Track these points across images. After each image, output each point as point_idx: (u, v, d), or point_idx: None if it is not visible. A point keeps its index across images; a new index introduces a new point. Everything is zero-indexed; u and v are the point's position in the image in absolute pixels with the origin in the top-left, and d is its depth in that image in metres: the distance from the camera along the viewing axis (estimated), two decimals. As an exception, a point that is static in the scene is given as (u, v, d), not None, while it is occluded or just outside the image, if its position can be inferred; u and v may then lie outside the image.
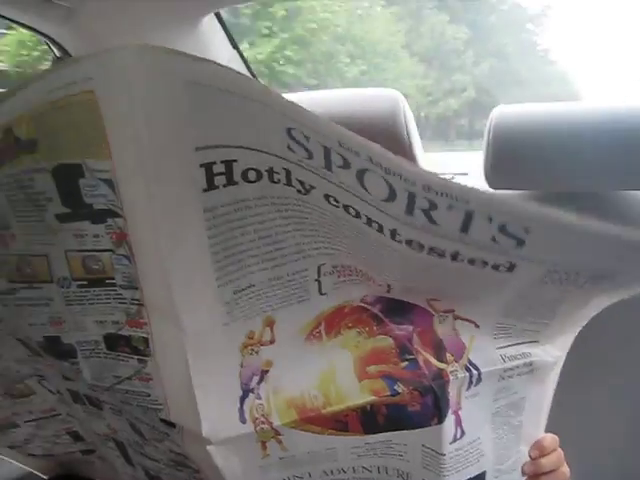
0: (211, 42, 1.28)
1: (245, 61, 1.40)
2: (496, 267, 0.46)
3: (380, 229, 0.46)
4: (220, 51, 1.31)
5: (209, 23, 1.26)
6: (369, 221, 0.46)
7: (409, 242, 0.45)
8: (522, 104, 1.05)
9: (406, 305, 0.55)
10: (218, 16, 1.28)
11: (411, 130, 1.05)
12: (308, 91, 1.21)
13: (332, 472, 0.56)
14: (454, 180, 0.40)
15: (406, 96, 1.08)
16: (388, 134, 1.03)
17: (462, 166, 1.35)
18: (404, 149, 1.04)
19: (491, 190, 1.03)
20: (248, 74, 1.41)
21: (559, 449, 0.63)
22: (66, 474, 0.75)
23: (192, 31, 1.22)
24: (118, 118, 0.41)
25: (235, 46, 1.35)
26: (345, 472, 0.57)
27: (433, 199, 0.41)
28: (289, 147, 0.43)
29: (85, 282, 0.48)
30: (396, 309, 0.55)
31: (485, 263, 0.46)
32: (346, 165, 0.42)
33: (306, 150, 0.42)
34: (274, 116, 0.41)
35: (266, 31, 7.46)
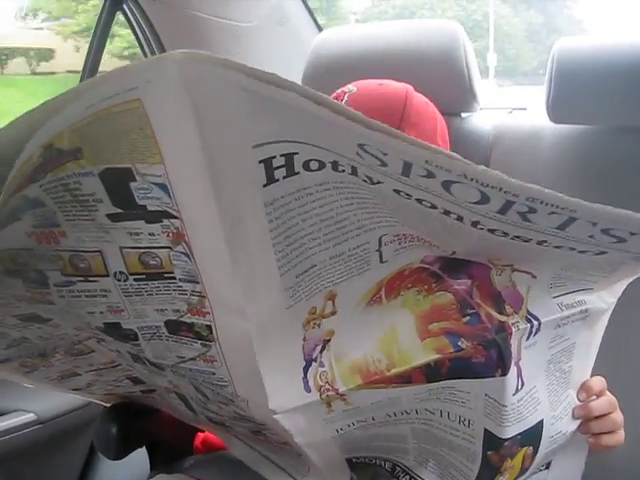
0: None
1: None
2: (583, 252, 0.44)
3: (459, 219, 0.43)
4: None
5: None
6: (447, 212, 0.43)
7: (492, 230, 0.43)
8: (584, 37, 0.99)
9: (464, 261, 0.53)
10: None
11: (470, 63, 1.00)
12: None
13: (395, 414, 0.57)
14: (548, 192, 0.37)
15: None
16: (447, 67, 0.99)
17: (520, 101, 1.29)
18: (463, 82, 1.00)
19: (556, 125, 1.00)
20: (302, 4, 1.34)
21: (610, 394, 0.63)
22: (126, 402, 0.77)
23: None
24: (169, 124, 0.38)
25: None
26: (408, 413, 0.58)
27: (534, 207, 0.38)
28: (358, 154, 0.39)
29: (143, 276, 0.47)
30: (454, 265, 0.53)
31: (572, 249, 0.44)
32: (430, 176, 0.38)
33: (379, 160, 0.39)
34: (344, 133, 0.37)
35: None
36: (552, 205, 0.38)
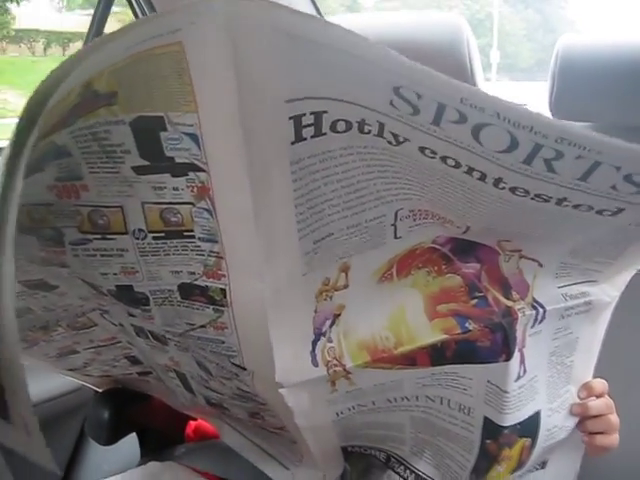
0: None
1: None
2: (600, 212, 0.44)
3: (482, 178, 0.43)
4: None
5: None
6: (470, 170, 0.43)
7: (513, 189, 0.43)
8: (589, 34, 1.02)
9: (474, 244, 0.54)
10: None
11: (473, 58, 1.01)
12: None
13: (395, 399, 0.58)
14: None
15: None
16: (450, 61, 0.99)
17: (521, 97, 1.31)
18: (466, 77, 1.00)
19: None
20: None
21: (608, 397, 0.64)
22: (119, 388, 0.76)
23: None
24: (207, 70, 0.38)
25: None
26: (409, 400, 0.58)
27: (562, 149, 0.38)
28: (391, 103, 0.40)
29: (162, 234, 0.46)
30: (464, 248, 0.54)
31: (591, 208, 0.44)
32: (462, 120, 0.39)
33: (413, 107, 0.39)
34: (381, 74, 0.38)
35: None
36: (580, 147, 0.38)
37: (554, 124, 0.38)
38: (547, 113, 1.00)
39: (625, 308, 0.60)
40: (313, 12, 1.41)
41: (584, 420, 0.63)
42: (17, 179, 0.30)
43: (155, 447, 0.83)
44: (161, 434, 0.84)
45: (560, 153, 0.39)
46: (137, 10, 1.22)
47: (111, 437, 0.76)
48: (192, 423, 0.85)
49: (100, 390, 0.77)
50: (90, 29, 1.17)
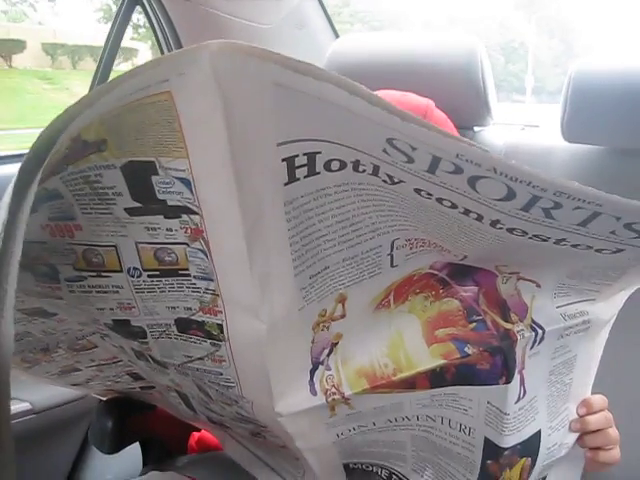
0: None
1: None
2: (599, 250, 0.44)
3: (479, 218, 0.43)
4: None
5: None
6: (467, 211, 0.43)
7: (511, 230, 0.43)
8: (602, 58, 1.00)
9: (471, 268, 0.53)
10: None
11: (487, 79, 1.01)
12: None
13: (396, 419, 0.57)
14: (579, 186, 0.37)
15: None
16: (464, 80, 0.99)
17: (533, 118, 1.31)
18: (479, 96, 1.01)
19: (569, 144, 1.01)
20: (321, 10, 1.36)
21: (607, 411, 0.63)
22: (122, 397, 0.76)
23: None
24: (197, 118, 0.38)
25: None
26: (409, 419, 0.58)
27: (560, 201, 0.38)
28: (385, 151, 0.39)
29: (157, 272, 0.46)
30: (462, 272, 0.53)
31: (590, 247, 0.44)
32: (457, 171, 0.38)
33: (407, 156, 0.39)
34: (374, 126, 0.37)
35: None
36: (579, 199, 0.37)
37: (552, 181, 0.37)
38: (559, 137, 1.00)
39: (623, 323, 0.60)
40: (329, 30, 1.42)
41: (583, 435, 0.62)
42: (23, 214, 0.30)
43: (158, 457, 0.84)
44: (164, 444, 0.84)
45: (559, 204, 0.38)
46: (162, 41, 1.23)
47: (114, 446, 0.77)
48: (195, 434, 0.85)
49: (104, 399, 0.77)
50: (106, 44, 1.19)
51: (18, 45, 4.46)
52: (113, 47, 1.19)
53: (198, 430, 0.83)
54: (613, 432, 0.63)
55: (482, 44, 1.01)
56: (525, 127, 1.22)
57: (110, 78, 1.18)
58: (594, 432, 0.62)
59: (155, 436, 0.83)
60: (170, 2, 1.20)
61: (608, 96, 0.94)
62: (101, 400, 0.78)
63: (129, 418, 0.77)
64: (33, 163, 0.31)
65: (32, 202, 0.32)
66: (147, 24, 1.27)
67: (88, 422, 0.81)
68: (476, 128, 1.10)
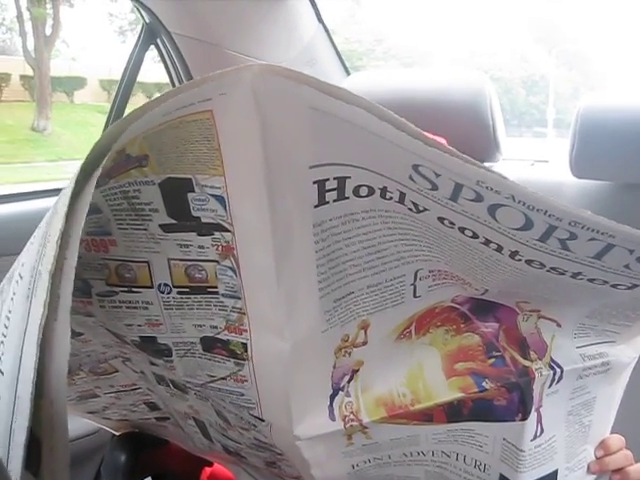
0: (299, 15, 1.30)
1: (329, 35, 1.41)
2: (614, 286, 0.45)
3: (499, 249, 0.44)
4: (307, 24, 1.33)
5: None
6: (487, 241, 0.44)
7: (529, 261, 0.44)
8: (611, 93, 1.02)
9: (493, 304, 0.54)
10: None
11: (495, 114, 1.03)
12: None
13: (411, 454, 0.57)
14: (586, 214, 0.38)
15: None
16: (472, 116, 1.02)
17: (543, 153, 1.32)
18: (488, 132, 1.03)
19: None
20: (331, 47, 1.41)
21: (626, 450, 0.63)
22: (135, 432, 0.76)
23: (282, 4, 1.24)
24: (235, 137, 0.39)
25: (320, 20, 1.37)
26: (424, 454, 0.57)
27: (576, 232, 0.39)
28: (411, 177, 0.41)
29: (186, 289, 0.47)
30: (483, 307, 0.54)
31: (605, 282, 0.45)
32: (478, 199, 0.40)
33: (431, 183, 0.40)
34: (401, 152, 0.39)
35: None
36: (593, 230, 0.39)
37: (568, 210, 0.38)
38: (568, 172, 1.01)
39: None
40: (340, 68, 1.45)
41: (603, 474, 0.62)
42: (78, 223, 0.31)
43: (170, 492, 0.83)
44: (176, 479, 0.84)
45: (574, 235, 0.40)
46: (174, 78, 1.26)
47: (127, 480, 0.76)
48: (207, 469, 0.84)
49: (117, 433, 0.77)
50: (121, 81, 1.22)
51: (80, 82, 4.68)
52: (128, 84, 1.22)
53: (210, 465, 0.82)
54: (633, 470, 0.62)
55: (491, 81, 1.04)
56: (535, 162, 1.23)
57: (125, 113, 1.20)
58: (614, 471, 0.62)
59: (167, 471, 0.82)
60: (183, 41, 1.23)
61: (616, 131, 0.95)
62: (114, 435, 0.77)
63: (142, 453, 0.76)
64: (89, 170, 0.33)
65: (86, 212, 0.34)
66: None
67: (101, 457, 0.80)
68: (486, 164, 1.11)
